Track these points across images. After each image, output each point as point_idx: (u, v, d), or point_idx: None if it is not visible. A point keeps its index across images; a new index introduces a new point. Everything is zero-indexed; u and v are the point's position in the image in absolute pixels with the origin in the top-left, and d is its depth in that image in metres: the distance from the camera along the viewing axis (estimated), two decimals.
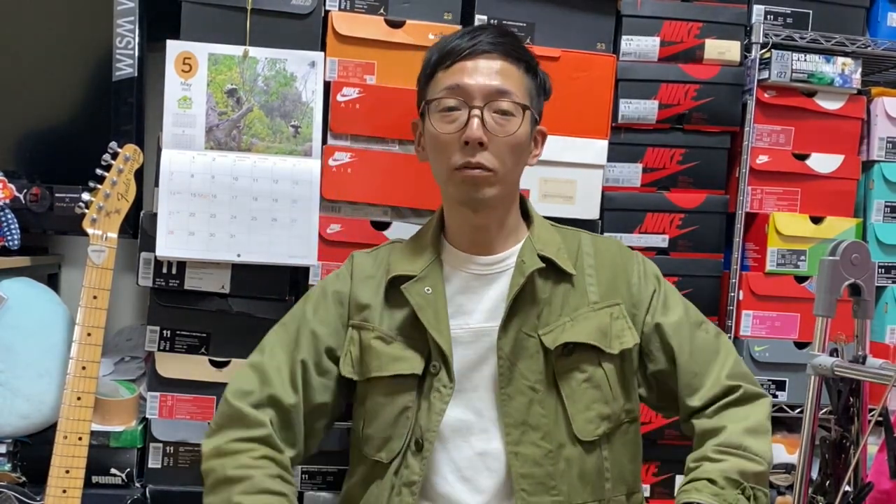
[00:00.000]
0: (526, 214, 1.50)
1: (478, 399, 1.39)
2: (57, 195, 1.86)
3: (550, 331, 1.38)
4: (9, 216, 1.78)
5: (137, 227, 1.82)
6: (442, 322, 1.37)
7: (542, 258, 1.40)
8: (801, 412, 1.31)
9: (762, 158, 2.01)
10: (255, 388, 1.40)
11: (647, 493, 1.90)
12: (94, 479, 1.80)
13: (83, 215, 1.67)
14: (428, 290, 1.39)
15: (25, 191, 1.84)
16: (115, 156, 1.69)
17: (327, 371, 1.45)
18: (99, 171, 1.68)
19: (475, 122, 1.32)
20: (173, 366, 1.84)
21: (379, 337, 1.41)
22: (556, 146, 1.82)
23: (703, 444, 1.36)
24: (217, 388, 1.85)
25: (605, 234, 1.61)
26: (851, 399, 1.26)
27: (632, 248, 1.75)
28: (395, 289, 1.42)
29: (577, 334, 1.38)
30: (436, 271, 1.41)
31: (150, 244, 1.79)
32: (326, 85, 1.86)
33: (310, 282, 1.85)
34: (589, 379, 1.38)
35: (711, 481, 1.28)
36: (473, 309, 1.41)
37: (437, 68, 1.38)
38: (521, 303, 1.38)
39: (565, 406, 1.36)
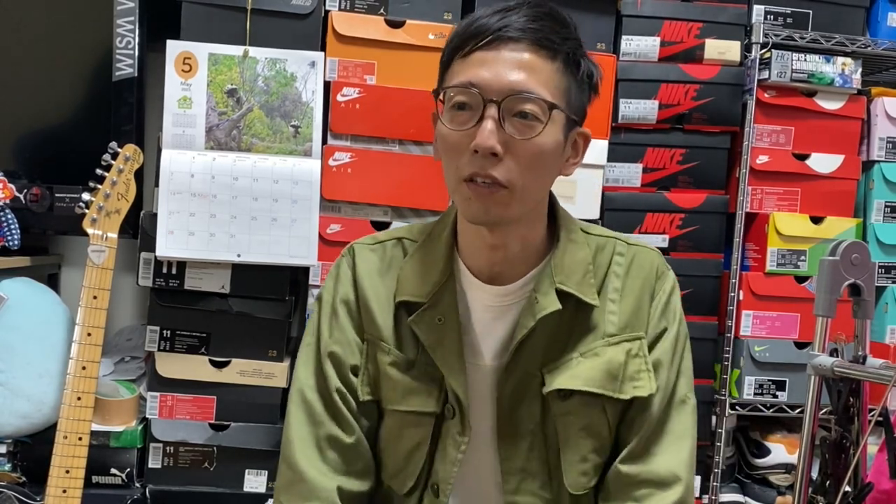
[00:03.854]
0: (554, 221, 1.25)
1: (481, 442, 1.21)
2: (57, 195, 1.86)
3: (555, 368, 1.18)
4: (9, 216, 1.78)
5: (137, 227, 1.82)
6: (457, 363, 1.18)
7: (561, 293, 1.17)
8: (801, 412, 1.31)
9: (762, 158, 2.01)
10: (310, 431, 1.22)
11: None
12: (94, 479, 1.81)
13: (83, 215, 1.67)
14: (440, 319, 1.19)
15: (25, 191, 1.84)
16: (115, 156, 1.69)
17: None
18: (99, 171, 1.68)
19: (488, 125, 1.07)
20: (173, 366, 1.84)
21: (393, 363, 1.21)
22: None
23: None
24: (217, 388, 1.86)
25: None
26: (851, 399, 1.26)
27: None
28: (405, 310, 1.22)
29: (578, 379, 1.18)
30: (448, 294, 1.20)
31: (150, 244, 1.79)
32: (326, 85, 1.86)
33: (310, 281, 1.86)
34: (587, 427, 1.19)
35: None
36: (483, 344, 1.21)
37: (455, 55, 1.13)
38: (527, 345, 1.18)
39: (560, 454, 1.19)
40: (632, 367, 1.19)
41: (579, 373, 1.18)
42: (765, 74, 1.98)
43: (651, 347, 1.22)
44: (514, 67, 1.09)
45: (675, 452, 1.19)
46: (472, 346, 1.21)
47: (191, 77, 1.81)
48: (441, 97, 1.14)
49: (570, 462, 1.19)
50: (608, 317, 1.21)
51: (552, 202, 1.25)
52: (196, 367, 1.85)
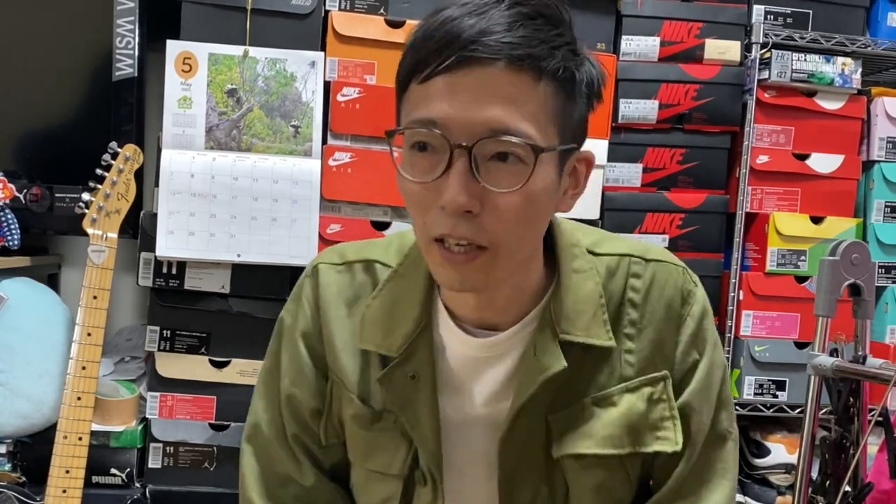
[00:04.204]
0: (552, 249, 1.01)
1: (472, 496, 1.04)
2: (57, 195, 1.86)
3: (564, 421, 0.99)
4: (9, 216, 1.78)
5: (137, 227, 1.82)
6: (430, 426, 0.99)
7: (566, 344, 0.96)
8: (801, 412, 1.31)
9: (762, 158, 2.01)
10: (267, 470, 1.09)
11: None
12: (94, 479, 1.80)
13: (83, 215, 1.67)
14: (413, 376, 0.98)
15: (25, 191, 1.84)
16: (115, 156, 1.69)
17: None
18: (99, 171, 1.68)
19: (458, 178, 0.83)
20: (173, 366, 1.84)
21: (356, 416, 1.03)
22: None
23: None
24: (217, 388, 1.86)
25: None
26: (851, 399, 1.26)
27: None
28: (371, 354, 1.02)
29: (592, 439, 0.98)
30: (423, 346, 0.99)
31: (150, 244, 1.79)
32: (326, 85, 1.86)
33: None
34: (600, 486, 1.01)
35: None
36: (469, 390, 1.01)
37: (412, 77, 0.86)
38: (528, 407, 0.98)
39: None
40: (654, 414, 1.00)
41: (594, 430, 0.99)
42: (765, 74, 1.98)
43: (680, 386, 1.02)
44: (487, 99, 0.83)
45: (713, 501, 1.02)
46: (454, 398, 1.01)
47: (191, 77, 1.81)
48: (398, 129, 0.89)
49: None
50: (625, 356, 1.00)
51: (551, 229, 1.01)
52: (196, 367, 1.85)
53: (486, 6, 0.84)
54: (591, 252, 1.02)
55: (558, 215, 1.01)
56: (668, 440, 1.00)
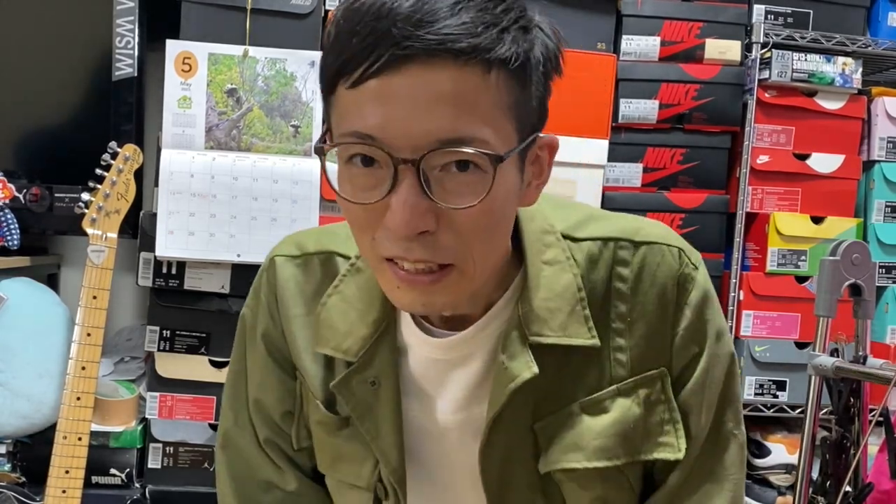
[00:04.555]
0: (518, 241, 0.87)
1: (455, 499, 0.95)
2: (57, 195, 1.86)
3: (550, 426, 0.88)
4: (9, 216, 1.78)
5: (137, 227, 1.82)
6: (390, 434, 0.89)
7: (537, 347, 0.84)
8: (802, 412, 1.31)
9: (763, 158, 2.01)
10: (245, 475, 0.99)
11: None
12: (94, 479, 1.80)
13: (83, 215, 1.66)
14: (373, 383, 0.88)
15: (25, 191, 1.84)
16: (114, 156, 1.69)
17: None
18: (99, 171, 1.68)
19: (406, 199, 0.70)
20: (173, 366, 1.84)
21: (321, 422, 0.94)
22: None
23: None
24: (217, 389, 1.85)
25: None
26: (852, 399, 1.26)
27: None
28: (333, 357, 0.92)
29: (583, 452, 0.87)
30: (384, 349, 0.88)
31: (149, 244, 1.79)
32: None
33: None
34: (600, 498, 0.90)
35: None
36: (437, 395, 0.90)
37: (338, 80, 0.73)
38: (504, 415, 0.86)
39: None
40: (653, 418, 0.89)
41: (584, 440, 0.87)
42: (765, 74, 1.98)
43: (679, 382, 0.90)
44: (432, 104, 0.69)
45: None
46: (422, 410, 0.91)
47: (190, 77, 1.81)
48: (325, 142, 0.76)
49: None
50: (615, 355, 0.88)
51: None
52: (196, 367, 1.85)
53: None
54: (568, 238, 0.88)
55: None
56: (670, 446, 0.90)
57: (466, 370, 0.88)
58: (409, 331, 0.89)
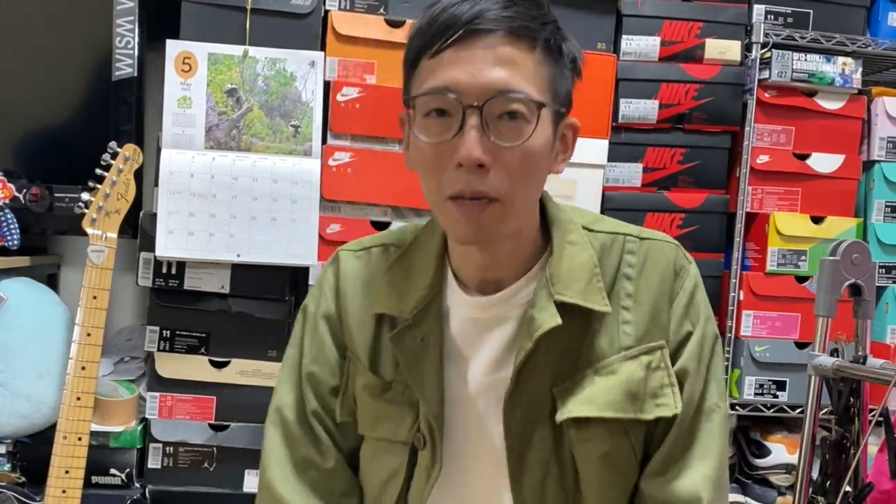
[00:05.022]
0: (546, 220, 1.10)
1: (479, 474, 1.08)
2: (57, 195, 1.86)
3: (567, 389, 1.04)
4: (9, 216, 1.78)
5: (137, 227, 1.82)
6: (432, 385, 1.05)
7: (562, 305, 1.02)
8: (802, 412, 1.31)
9: (763, 158, 2.01)
10: (287, 453, 1.13)
11: None
12: (94, 479, 1.80)
13: (83, 215, 1.66)
14: (422, 339, 1.06)
15: (25, 191, 1.84)
16: (114, 156, 1.69)
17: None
18: (98, 171, 1.68)
19: (471, 135, 0.94)
20: (173, 366, 1.84)
21: (366, 385, 1.10)
22: None
23: None
24: (217, 388, 1.86)
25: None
26: (852, 399, 1.26)
27: None
28: (384, 325, 1.11)
29: (594, 404, 1.03)
30: (433, 311, 1.07)
31: (149, 244, 1.79)
32: (326, 85, 1.86)
33: (310, 281, 1.85)
34: (607, 455, 1.05)
35: None
36: (472, 358, 1.07)
37: (422, 55, 0.98)
38: (530, 366, 1.03)
39: (579, 486, 1.05)
40: (653, 381, 1.05)
41: (595, 395, 1.04)
42: (765, 74, 1.98)
43: (675, 356, 1.07)
44: (492, 64, 0.95)
45: (698, 470, 1.05)
46: (459, 364, 1.07)
47: (190, 77, 1.81)
48: (412, 104, 1.00)
49: (592, 492, 1.05)
50: (622, 327, 1.06)
51: (541, 199, 1.10)
52: (196, 368, 1.85)
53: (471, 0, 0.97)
54: (587, 229, 1.09)
55: (558, 201, 1.12)
56: (668, 405, 1.05)
57: (499, 331, 1.06)
58: (453, 294, 1.08)
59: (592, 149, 1.92)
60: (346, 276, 1.15)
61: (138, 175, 1.73)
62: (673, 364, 1.06)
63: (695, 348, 1.07)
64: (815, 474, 1.31)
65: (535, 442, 1.05)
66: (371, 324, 1.11)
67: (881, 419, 1.20)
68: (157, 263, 1.81)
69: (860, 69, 2.02)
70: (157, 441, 1.86)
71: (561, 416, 1.03)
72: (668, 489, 1.05)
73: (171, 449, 1.87)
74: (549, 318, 1.01)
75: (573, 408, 1.03)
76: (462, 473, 1.08)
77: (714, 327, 1.11)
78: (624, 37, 1.95)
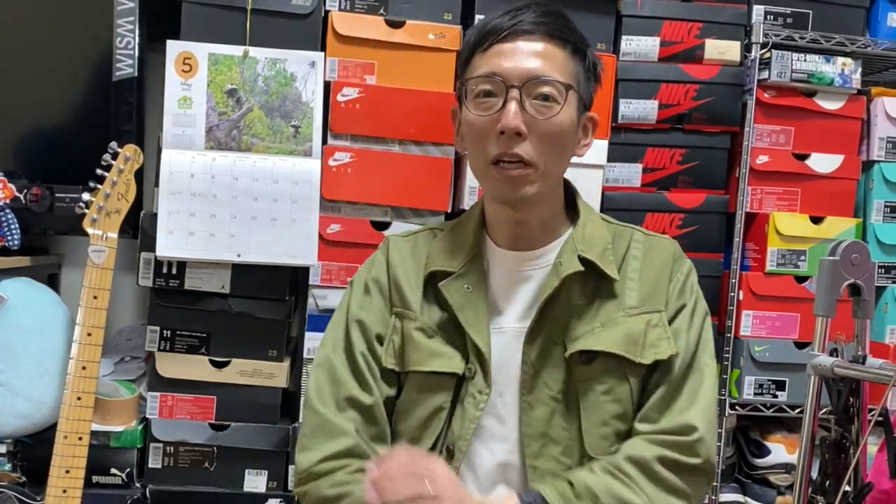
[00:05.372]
0: (573, 206, 1.36)
1: (502, 405, 1.27)
2: (57, 195, 1.86)
3: (577, 337, 1.25)
4: (9, 216, 1.78)
5: (137, 227, 1.82)
6: (481, 322, 1.26)
7: (583, 260, 1.25)
8: (801, 412, 1.31)
9: (762, 158, 2.01)
10: (331, 390, 1.29)
11: None
12: (95, 478, 1.81)
13: (83, 215, 1.67)
14: (468, 287, 1.28)
15: (25, 191, 1.84)
16: (115, 156, 1.69)
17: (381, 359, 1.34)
18: (99, 171, 1.68)
19: (512, 107, 1.19)
20: (173, 366, 1.84)
21: (420, 328, 1.29)
22: None
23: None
24: (217, 388, 1.86)
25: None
26: (851, 399, 1.26)
27: None
28: (433, 284, 1.31)
29: (599, 342, 1.24)
30: (476, 267, 1.30)
31: (150, 244, 1.79)
32: (326, 85, 1.86)
33: (310, 281, 1.86)
34: (609, 391, 1.24)
35: (571, 484, 1.19)
36: (506, 308, 1.30)
37: (475, 50, 1.26)
38: (552, 307, 1.25)
39: (581, 424, 1.24)
40: (651, 335, 1.25)
41: (601, 338, 1.24)
42: (765, 74, 1.99)
43: (670, 321, 1.27)
44: (530, 56, 1.22)
45: (691, 409, 1.22)
46: (496, 312, 1.29)
47: (191, 77, 1.81)
48: (464, 89, 1.26)
49: (592, 424, 1.23)
50: (628, 292, 1.28)
51: (569, 188, 1.36)
52: (196, 367, 1.85)
53: (519, 10, 1.25)
54: (603, 219, 1.36)
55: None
56: (664, 351, 1.24)
57: (530, 284, 1.29)
58: (493, 252, 1.32)
59: (592, 149, 1.89)
60: (394, 253, 1.36)
61: (139, 175, 1.74)
62: (671, 323, 1.27)
63: (688, 314, 1.28)
64: (814, 474, 1.31)
65: (545, 379, 1.25)
66: (420, 284, 1.31)
67: (881, 419, 1.20)
68: (158, 263, 1.81)
69: (859, 69, 2.03)
70: (157, 441, 1.86)
71: (570, 349, 1.24)
72: (662, 423, 1.22)
73: (172, 449, 1.87)
74: (573, 265, 1.25)
75: (581, 343, 1.24)
76: (490, 401, 1.26)
77: (705, 306, 1.32)
78: (624, 37, 1.95)
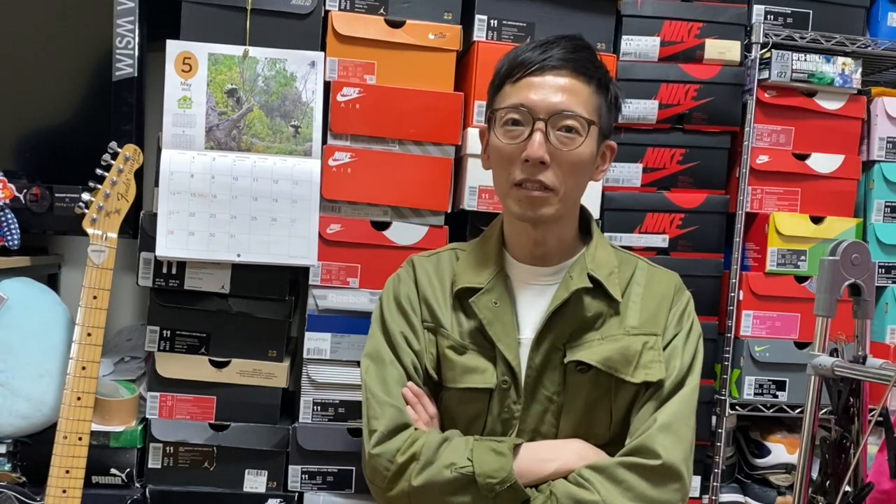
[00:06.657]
0: (587, 230, 1.48)
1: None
2: (57, 195, 1.86)
3: (578, 347, 1.38)
4: (9, 216, 1.78)
5: (137, 227, 1.82)
6: (510, 336, 1.38)
7: (591, 278, 1.38)
8: (802, 412, 1.31)
9: (762, 158, 2.01)
10: (381, 380, 1.42)
11: None
12: (94, 479, 1.80)
13: (83, 215, 1.67)
14: (496, 302, 1.39)
15: (25, 191, 1.84)
16: (114, 156, 1.69)
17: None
18: (99, 171, 1.68)
19: (537, 138, 1.31)
20: (173, 366, 1.84)
21: (452, 346, 1.41)
22: None
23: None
24: (217, 388, 1.86)
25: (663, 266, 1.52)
26: (851, 399, 1.26)
27: (632, 248, 1.76)
28: (462, 300, 1.42)
29: (595, 355, 1.37)
30: (501, 283, 1.41)
31: (150, 244, 1.79)
32: (326, 85, 1.86)
33: (310, 282, 1.85)
34: (594, 403, 1.39)
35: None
36: (524, 321, 1.41)
37: (506, 81, 1.37)
38: (559, 317, 1.38)
39: (567, 422, 1.39)
40: (646, 357, 1.37)
41: (598, 351, 1.36)
42: (765, 74, 1.98)
43: (667, 344, 1.39)
44: (557, 91, 1.33)
45: (657, 416, 1.34)
46: (521, 324, 1.40)
47: (191, 77, 1.81)
48: (493, 116, 1.38)
49: (573, 427, 1.37)
50: (630, 313, 1.40)
51: (585, 213, 1.49)
52: (196, 367, 1.85)
53: (549, 44, 1.36)
54: (612, 246, 1.48)
55: None
56: (654, 374, 1.36)
57: (545, 297, 1.40)
58: (512, 267, 1.44)
59: None
60: (420, 271, 1.47)
61: (138, 175, 1.74)
62: (665, 348, 1.39)
63: (683, 337, 1.41)
64: (814, 474, 1.31)
65: (545, 381, 1.38)
66: (448, 301, 1.43)
67: (881, 419, 1.20)
68: (158, 263, 1.81)
69: (860, 69, 2.02)
70: (157, 441, 1.86)
71: (568, 357, 1.36)
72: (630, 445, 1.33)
73: (172, 449, 1.87)
74: (583, 280, 1.37)
75: (579, 354, 1.37)
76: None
77: (699, 329, 1.45)
78: (624, 37, 1.95)
